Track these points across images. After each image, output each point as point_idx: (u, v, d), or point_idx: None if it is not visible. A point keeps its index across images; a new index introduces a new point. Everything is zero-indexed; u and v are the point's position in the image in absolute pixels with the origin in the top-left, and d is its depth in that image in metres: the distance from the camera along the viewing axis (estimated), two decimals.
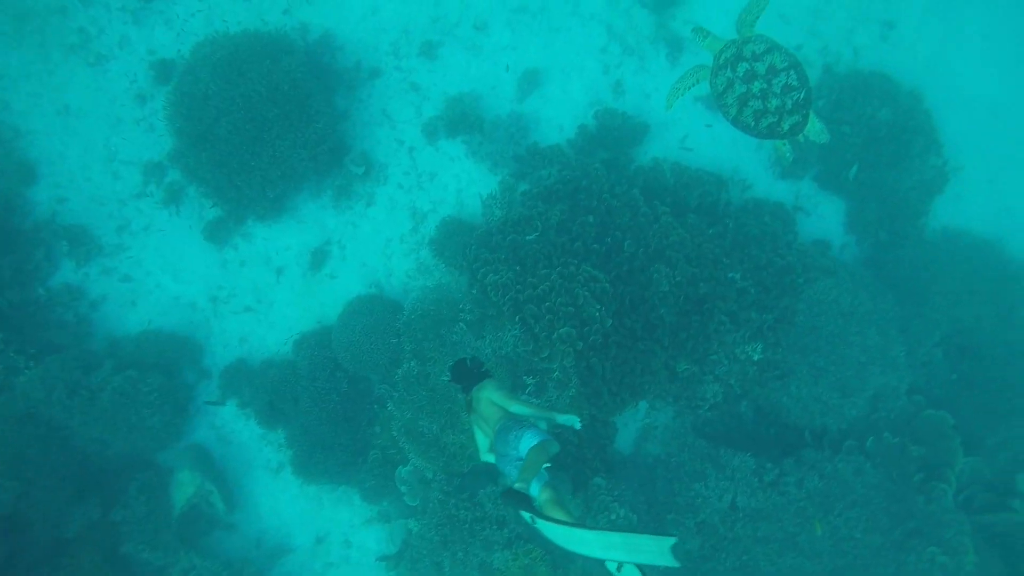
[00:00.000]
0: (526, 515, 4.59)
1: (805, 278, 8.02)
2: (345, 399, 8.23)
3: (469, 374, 5.80)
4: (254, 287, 9.20)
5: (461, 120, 9.30)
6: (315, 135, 8.70)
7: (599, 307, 7.19)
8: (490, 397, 5.43)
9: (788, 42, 6.12)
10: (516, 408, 5.33)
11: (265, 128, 8.49)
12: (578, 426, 5.43)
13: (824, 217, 9.67)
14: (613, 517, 7.13)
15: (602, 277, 7.38)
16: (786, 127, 5.85)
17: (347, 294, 8.99)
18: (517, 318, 7.23)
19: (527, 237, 7.86)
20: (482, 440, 5.54)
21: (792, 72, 5.71)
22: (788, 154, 6.51)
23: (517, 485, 4.66)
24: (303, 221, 9.30)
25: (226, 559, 8.64)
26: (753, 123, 5.95)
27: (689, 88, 6.63)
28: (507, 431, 5.08)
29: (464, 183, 9.30)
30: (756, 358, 7.73)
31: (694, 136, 9.61)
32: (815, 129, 6.01)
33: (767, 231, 8.39)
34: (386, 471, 7.84)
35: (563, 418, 5.42)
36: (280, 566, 8.90)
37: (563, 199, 8.23)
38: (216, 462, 8.97)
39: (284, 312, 9.12)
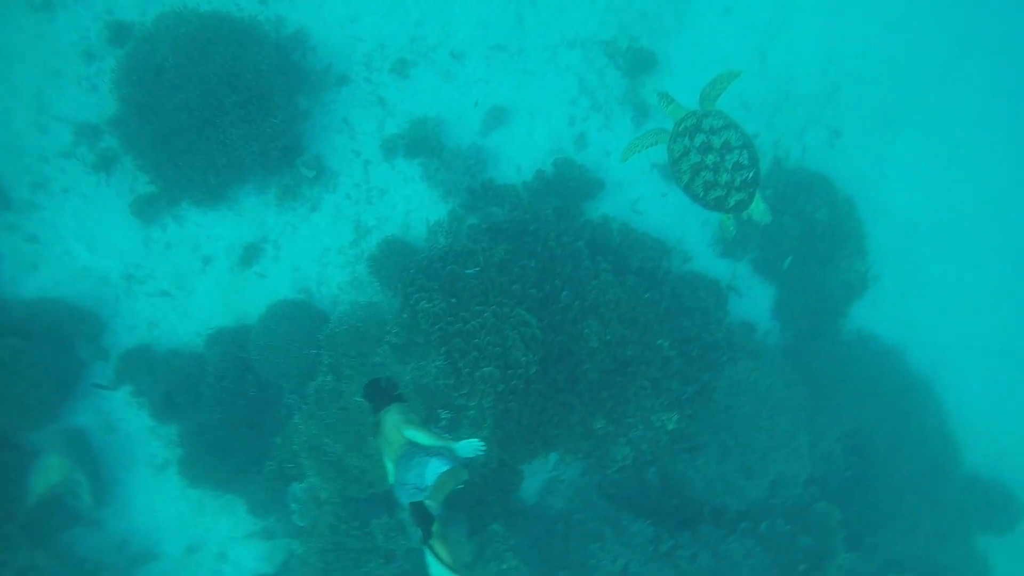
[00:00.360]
0: (420, 534, 4.78)
1: (729, 356, 8.40)
2: (251, 404, 7.98)
3: (382, 394, 5.78)
4: (176, 272, 8.85)
5: (422, 143, 9.40)
6: (270, 130, 8.61)
7: (527, 353, 7.31)
8: (394, 420, 5.46)
9: (746, 129, 6.55)
10: (413, 434, 5.29)
11: (219, 113, 8.34)
12: (481, 450, 5.39)
13: (755, 300, 10.19)
14: (504, 566, 7.14)
15: (534, 323, 7.53)
16: (732, 202, 6.21)
17: (273, 296, 8.79)
18: (443, 350, 7.27)
19: (467, 270, 7.95)
20: (390, 466, 5.53)
21: (745, 152, 6.08)
22: (732, 229, 6.88)
23: (428, 502, 4.82)
24: (242, 214, 9.09)
25: (79, 559, 8.06)
26: (702, 193, 6.30)
27: (647, 147, 6.97)
28: (410, 457, 5.15)
29: (414, 205, 9.35)
30: (670, 428, 7.99)
31: (646, 201, 10.01)
32: (759, 209, 6.37)
33: (700, 305, 8.76)
34: (279, 485, 7.62)
35: (462, 446, 5.33)
36: (140, 574, 8.36)
37: (509, 239, 8.39)
38: (93, 451, 8.38)
39: (203, 303, 8.81)
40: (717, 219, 9.98)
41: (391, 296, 8.52)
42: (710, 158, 6.09)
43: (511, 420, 7.31)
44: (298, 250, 9.05)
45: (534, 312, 7.79)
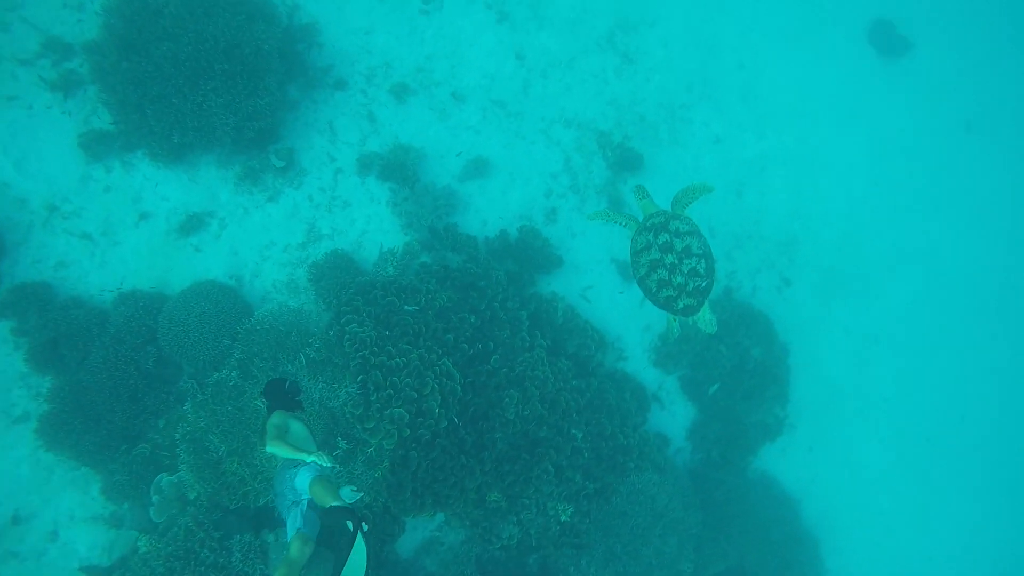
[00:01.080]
0: (350, 525, 4.98)
1: (637, 464, 8.68)
2: (143, 377, 7.60)
3: (281, 396, 5.88)
4: (106, 218, 8.54)
5: (398, 168, 9.60)
6: (252, 109, 8.64)
7: (442, 405, 7.40)
8: (294, 429, 5.65)
9: (709, 241, 6.98)
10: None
11: (205, 76, 8.35)
12: (327, 463, 5.38)
13: (675, 416, 10.62)
14: None
15: (458, 378, 7.65)
16: (680, 305, 6.49)
17: (203, 273, 8.60)
18: (360, 378, 7.27)
19: (407, 307, 8.05)
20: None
21: (703, 261, 6.40)
22: (675, 331, 7.17)
23: (333, 504, 5.07)
24: (196, 181, 8.96)
25: None
26: (654, 289, 6.57)
27: (615, 223, 7.26)
28: (284, 468, 5.37)
29: (372, 227, 9.46)
30: (563, 519, 8.12)
31: (598, 291, 10.44)
32: (705, 318, 6.66)
33: (622, 406, 9.08)
34: (146, 472, 7.22)
35: (313, 458, 5.33)
36: None
37: (456, 289, 8.59)
38: None
39: (125, 258, 8.48)
40: (659, 327, 10.58)
41: (323, 309, 8.49)
42: (669, 258, 6.38)
43: (407, 469, 7.29)
44: (243, 235, 8.94)
45: (460, 367, 7.93)
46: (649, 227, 6.56)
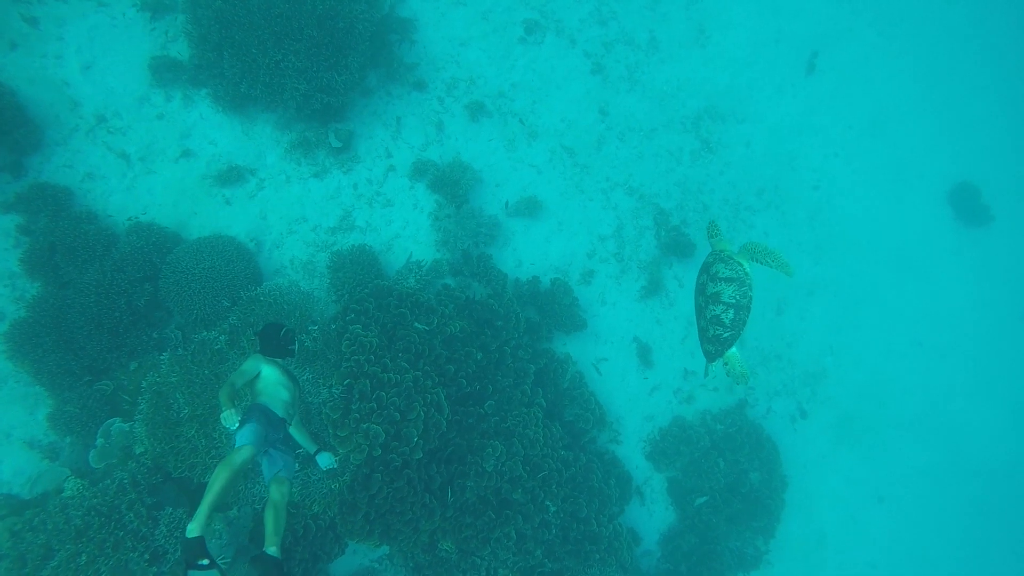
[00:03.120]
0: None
1: (602, 557, 8.08)
2: (131, 313, 7.23)
3: (276, 341, 5.72)
4: (150, 144, 8.33)
5: (451, 184, 9.32)
6: (326, 82, 8.45)
7: (422, 436, 6.92)
8: (275, 378, 5.54)
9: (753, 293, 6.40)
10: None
11: (292, 38, 8.19)
12: (333, 465, 5.90)
13: (652, 516, 10.01)
14: None
15: (447, 412, 7.19)
16: (703, 348, 6.11)
17: (224, 228, 8.31)
18: (348, 382, 6.87)
19: (417, 323, 7.67)
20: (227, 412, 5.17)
21: (731, 311, 5.94)
22: (707, 371, 6.55)
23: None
24: (249, 135, 8.75)
25: None
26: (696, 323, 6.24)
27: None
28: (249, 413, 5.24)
29: (407, 233, 9.14)
30: None
31: (612, 367, 9.98)
32: (735, 370, 6.11)
33: (604, 491, 8.54)
34: (100, 411, 6.78)
35: (322, 457, 5.85)
36: None
37: (472, 321, 8.20)
38: None
39: (154, 189, 8.23)
40: (662, 420, 10.07)
41: (332, 300, 8.12)
42: (699, 299, 6.11)
43: (367, 491, 6.78)
44: (277, 202, 8.67)
45: (452, 402, 7.49)
46: (702, 265, 6.26)
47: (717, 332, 5.94)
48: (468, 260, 9.17)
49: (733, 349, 6.02)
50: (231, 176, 8.47)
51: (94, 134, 8.16)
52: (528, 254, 9.85)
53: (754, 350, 11.18)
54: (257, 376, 5.55)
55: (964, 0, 15.90)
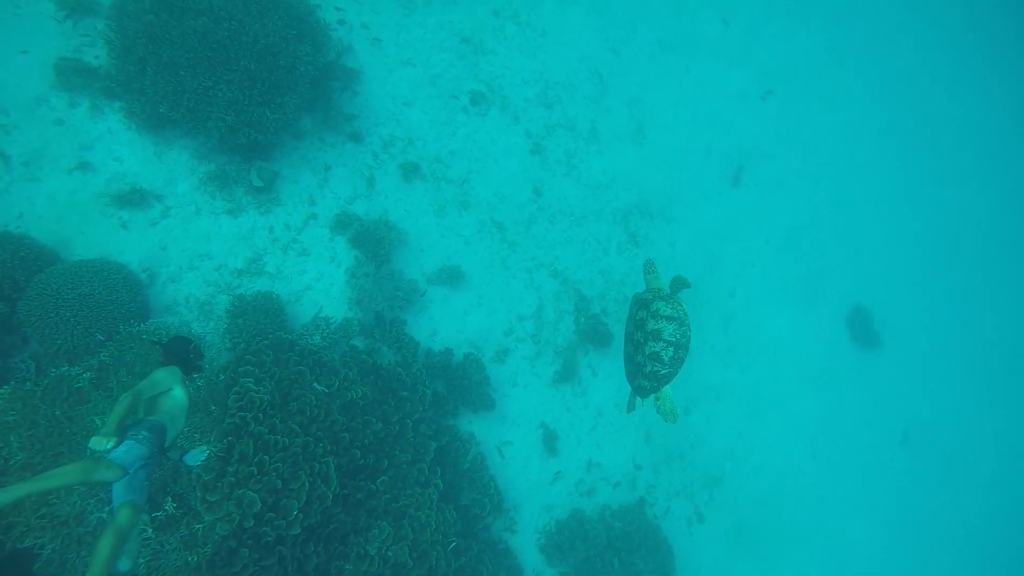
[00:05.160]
0: None
1: None
2: None
3: (183, 356, 5.19)
4: (40, 149, 7.42)
5: (373, 243, 8.82)
6: (256, 118, 7.92)
7: (303, 509, 6.15)
8: (176, 395, 4.95)
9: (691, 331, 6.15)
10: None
11: (226, 66, 7.69)
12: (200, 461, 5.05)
13: None
14: None
15: (335, 485, 6.47)
16: (635, 383, 6.05)
17: (115, 252, 7.41)
18: (228, 440, 6.08)
19: (316, 384, 6.99)
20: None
21: (671, 349, 5.86)
22: (633, 406, 6.45)
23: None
24: (161, 159, 7.99)
25: None
26: (625, 361, 6.21)
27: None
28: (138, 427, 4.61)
29: (320, 286, 8.49)
30: None
31: (516, 450, 9.46)
32: (666, 408, 6.02)
33: None
34: None
35: (192, 454, 4.96)
36: None
37: (375, 389, 7.60)
38: None
39: (35, 198, 7.26)
40: (560, 512, 9.57)
41: (226, 347, 7.31)
42: (638, 335, 5.98)
43: (230, 567, 5.90)
44: (181, 233, 7.86)
45: (342, 474, 6.76)
46: (639, 299, 6.21)
47: (655, 368, 5.87)
48: (381, 323, 8.58)
49: (667, 387, 5.98)
50: (133, 198, 7.63)
51: None
52: (443, 325, 9.36)
53: (661, 447, 10.96)
54: (165, 393, 4.94)
55: (868, 138, 17.24)
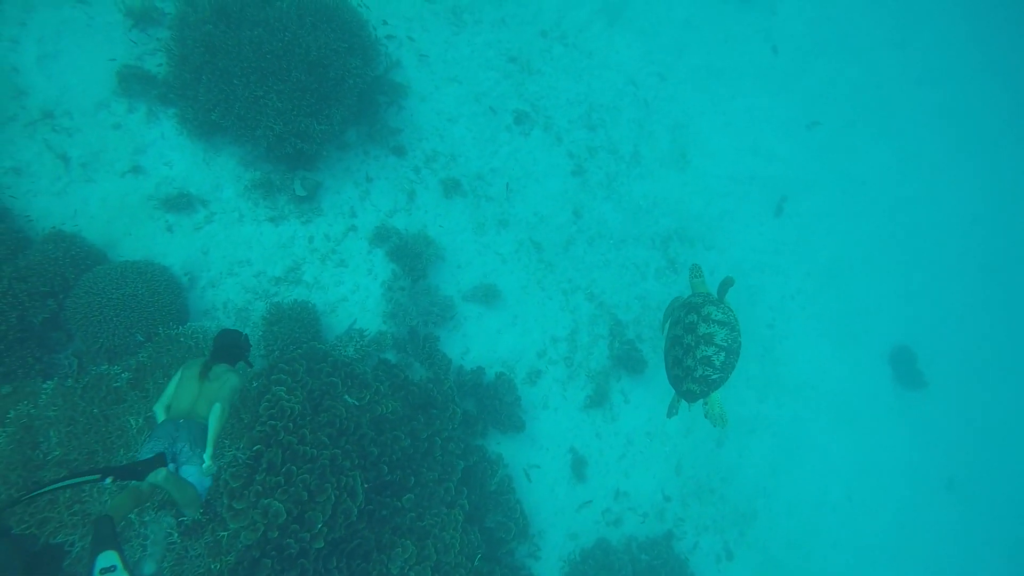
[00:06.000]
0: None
1: None
2: (20, 329, 6.19)
3: (235, 348, 5.48)
4: (99, 152, 7.60)
5: (411, 257, 8.81)
6: (303, 128, 8.00)
7: (328, 523, 6.07)
8: (232, 383, 5.24)
9: (741, 337, 6.11)
10: (216, 413, 5.04)
11: (277, 76, 7.79)
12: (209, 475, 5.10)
13: None
14: None
15: (360, 500, 6.39)
16: (684, 388, 6.01)
17: (160, 255, 7.52)
18: (257, 448, 6.04)
19: (347, 396, 6.95)
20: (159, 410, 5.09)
21: (722, 353, 5.86)
22: (676, 411, 6.43)
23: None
24: (210, 165, 8.12)
25: None
26: (669, 364, 6.18)
27: (669, 316, 6.58)
28: (201, 430, 4.93)
29: (356, 297, 8.49)
30: None
31: (543, 474, 9.28)
32: (714, 413, 6.05)
33: None
34: None
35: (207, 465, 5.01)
36: None
37: (405, 404, 7.54)
38: None
39: (89, 200, 7.42)
40: (586, 540, 9.34)
41: (261, 354, 7.33)
42: (688, 338, 5.96)
43: None
44: (224, 239, 7.96)
45: (369, 489, 6.69)
46: (687, 303, 6.22)
47: (706, 373, 5.86)
48: (414, 338, 8.54)
49: (716, 392, 5.97)
50: (180, 203, 7.75)
51: (34, 128, 7.40)
52: (477, 343, 9.27)
53: (691, 480, 10.65)
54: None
55: (918, 175, 16.80)
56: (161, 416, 5.06)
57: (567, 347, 10.00)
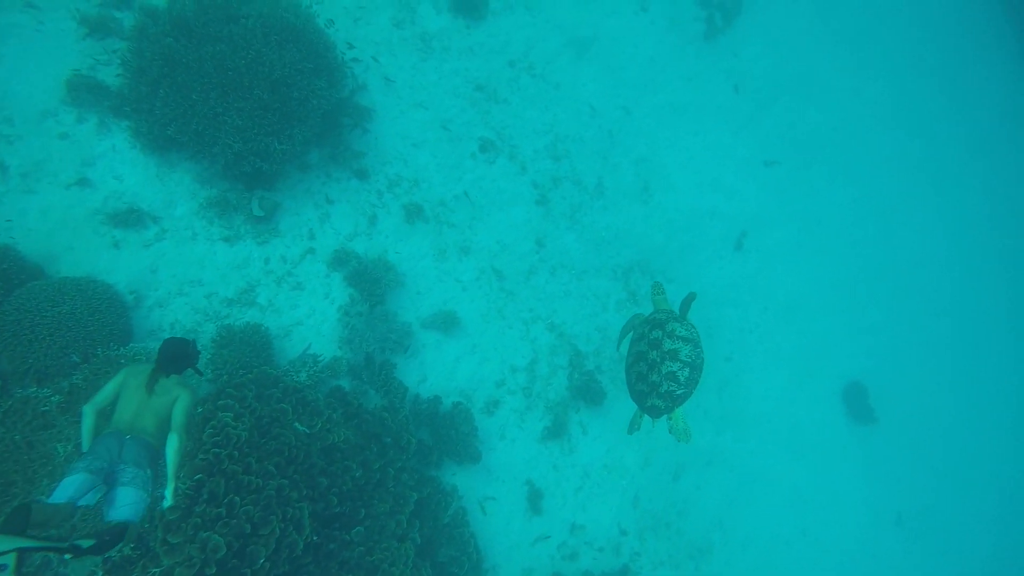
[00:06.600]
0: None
1: None
2: None
3: (183, 357, 5.30)
4: (41, 162, 7.24)
5: (370, 282, 8.61)
6: (263, 148, 7.80)
7: (272, 558, 5.76)
8: (182, 398, 5.11)
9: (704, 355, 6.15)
10: (175, 434, 4.98)
11: (239, 94, 7.60)
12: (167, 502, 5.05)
13: None
14: None
15: (307, 533, 6.09)
16: (648, 403, 6.05)
17: (104, 271, 7.17)
18: (199, 478, 5.71)
19: (297, 424, 6.66)
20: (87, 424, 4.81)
21: (687, 369, 5.93)
22: (638, 426, 6.43)
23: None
24: (163, 181, 7.83)
25: None
26: (633, 380, 6.22)
27: (627, 333, 6.69)
28: (145, 447, 4.79)
29: (311, 322, 8.24)
30: None
31: (498, 506, 9.05)
32: (679, 428, 6.09)
33: None
34: None
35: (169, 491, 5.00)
36: None
37: (358, 432, 7.27)
38: None
39: (27, 211, 7.03)
40: None
41: (208, 379, 7.00)
42: (653, 354, 6.03)
43: None
44: (175, 257, 7.65)
45: (317, 522, 6.39)
46: (650, 320, 6.31)
47: (671, 388, 5.93)
48: (370, 365, 8.30)
49: (679, 408, 6.04)
50: (129, 218, 7.43)
51: None
52: (435, 371, 9.07)
53: (648, 512, 10.53)
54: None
55: (873, 215, 17.27)
56: (89, 417, 4.81)
57: (526, 377, 9.86)
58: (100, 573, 5.30)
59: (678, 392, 5.91)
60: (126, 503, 4.63)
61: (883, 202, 17.71)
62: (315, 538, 6.41)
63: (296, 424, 6.71)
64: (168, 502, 4.83)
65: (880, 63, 19.62)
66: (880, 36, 19.97)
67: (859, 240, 16.67)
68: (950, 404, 17.06)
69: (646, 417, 6.33)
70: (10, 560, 3.68)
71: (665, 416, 6.05)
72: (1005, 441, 18.17)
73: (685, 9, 15.48)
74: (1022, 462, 18.28)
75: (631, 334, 6.54)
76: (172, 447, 4.91)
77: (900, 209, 18.23)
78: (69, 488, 4.36)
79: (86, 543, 4.12)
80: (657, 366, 5.96)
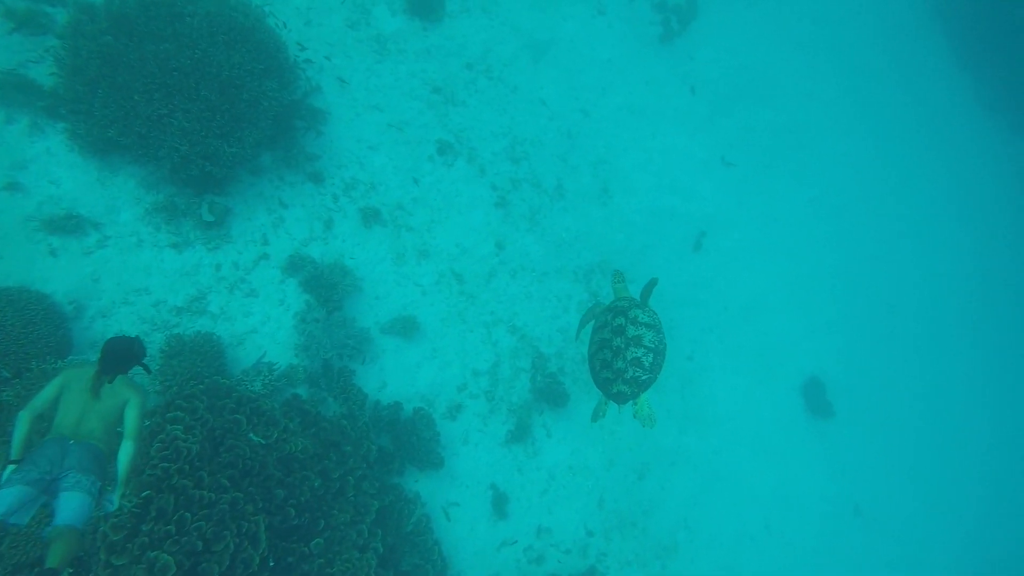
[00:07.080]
0: None
1: None
2: None
3: (127, 356, 4.94)
4: None
5: (326, 288, 8.38)
6: (212, 150, 7.54)
7: (224, 574, 5.49)
8: (134, 405, 4.87)
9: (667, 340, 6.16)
10: (129, 436, 4.80)
11: (185, 95, 7.32)
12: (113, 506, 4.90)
13: None
14: None
15: (263, 548, 5.86)
16: (614, 389, 6.07)
17: (40, 280, 6.79)
18: (146, 494, 5.44)
19: (252, 435, 6.43)
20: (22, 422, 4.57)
21: (651, 355, 5.96)
22: (603, 413, 6.50)
23: None
24: (105, 185, 7.46)
25: None
26: (597, 368, 6.21)
27: (587, 322, 6.72)
28: (91, 452, 4.57)
29: (266, 329, 7.97)
30: None
31: (463, 512, 8.89)
32: (644, 413, 6.13)
33: None
34: None
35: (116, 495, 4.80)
36: None
37: (317, 441, 7.04)
38: None
39: None
40: None
41: (157, 391, 6.69)
42: (617, 341, 6.03)
43: None
44: (119, 266, 7.29)
45: (274, 535, 6.15)
46: (612, 308, 6.31)
47: (637, 374, 5.97)
48: (328, 372, 8.07)
49: (644, 394, 6.09)
50: (68, 225, 7.05)
51: None
52: (395, 377, 8.87)
53: (613, 512, 10.46)
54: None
55: (827, 215, 17.58)
56: (25, 423, 4.50)
57: (488, 381, 9.71)
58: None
59: (643, 377, 5.93)
60: (70, 507, 4.36)
61: (839, 201, 18.04)
62: (273, 552, 6.18)
63: (251, 435, 6.46)
64: (116, 506, 4.60)
65: (832, 66, 20.03)
66: (831, 40, 20.40)
67: (816, 239, 16.94)
68: (905, 396, 17.43)
69: (611, 404, 6.34)
70: None
71: (631, 402, 6.06)
72: (957, 430, 18.65)
73: (642, 13, 15.59)
74: (973, 449, 18.80)
75: (591, 323, 6.53)
76: (126, 454, 4.70)
77: (855, 208, 18.59)
78: None
79: None
80: (622, 352, 5.97)
